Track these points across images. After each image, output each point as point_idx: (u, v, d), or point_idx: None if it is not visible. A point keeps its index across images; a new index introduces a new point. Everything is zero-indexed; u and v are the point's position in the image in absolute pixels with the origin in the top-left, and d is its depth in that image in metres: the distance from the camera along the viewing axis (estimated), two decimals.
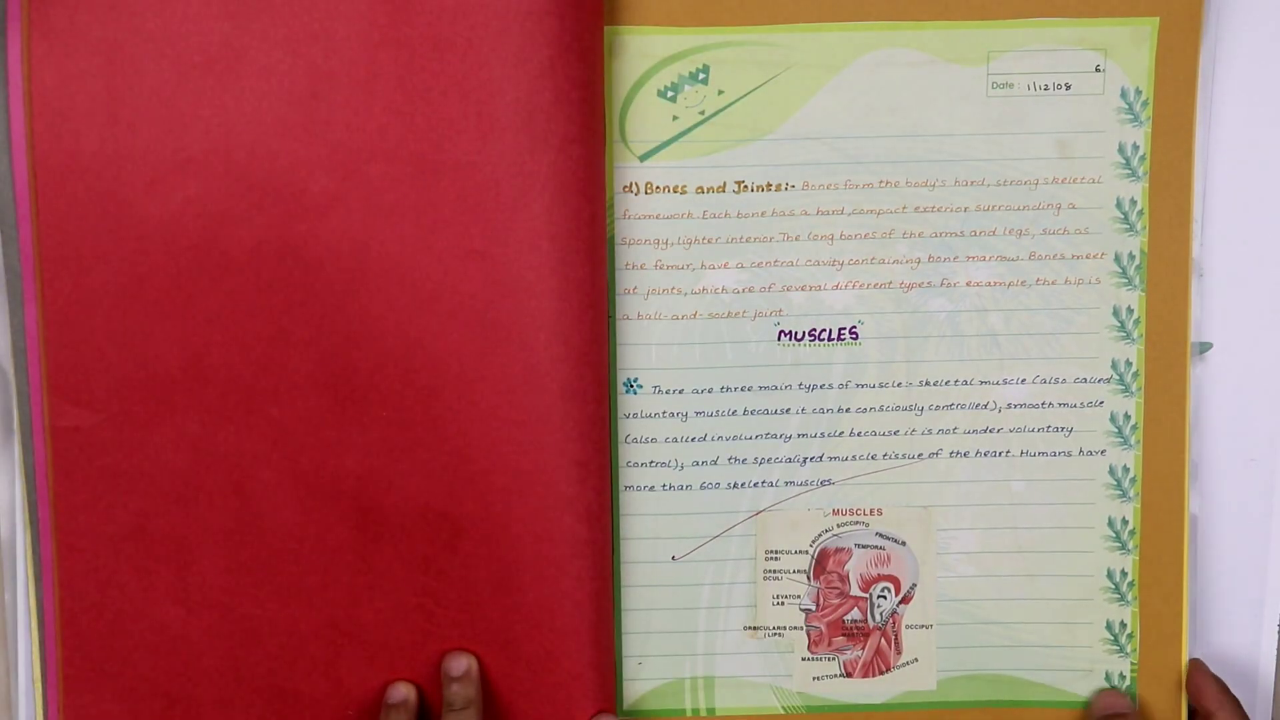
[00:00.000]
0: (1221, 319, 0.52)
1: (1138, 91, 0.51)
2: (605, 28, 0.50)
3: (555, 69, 0.48)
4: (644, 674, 0.54)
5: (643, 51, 0.50)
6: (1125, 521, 0.53)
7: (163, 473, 0.50)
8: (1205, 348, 0.52)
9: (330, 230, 0.49)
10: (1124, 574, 0.53)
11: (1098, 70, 0.51)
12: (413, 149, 0.48)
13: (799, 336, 0.52)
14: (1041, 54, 0.51)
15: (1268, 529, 0.53)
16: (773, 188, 0.51)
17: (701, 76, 0.50)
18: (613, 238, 0.51)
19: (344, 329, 0.49)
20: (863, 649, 0.54)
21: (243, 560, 0.51)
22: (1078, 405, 0.53)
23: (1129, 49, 0.51)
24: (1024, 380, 0.53)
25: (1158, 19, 0.51)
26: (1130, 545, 0.53)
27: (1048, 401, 0.53)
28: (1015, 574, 0.53)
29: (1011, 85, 0.51)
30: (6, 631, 0.52)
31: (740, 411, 0.52)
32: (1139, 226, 0.52)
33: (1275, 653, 0.53)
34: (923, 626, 0.54)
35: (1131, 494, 0.53)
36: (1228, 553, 0.53)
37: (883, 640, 0.54)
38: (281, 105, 0.48)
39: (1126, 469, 0.53)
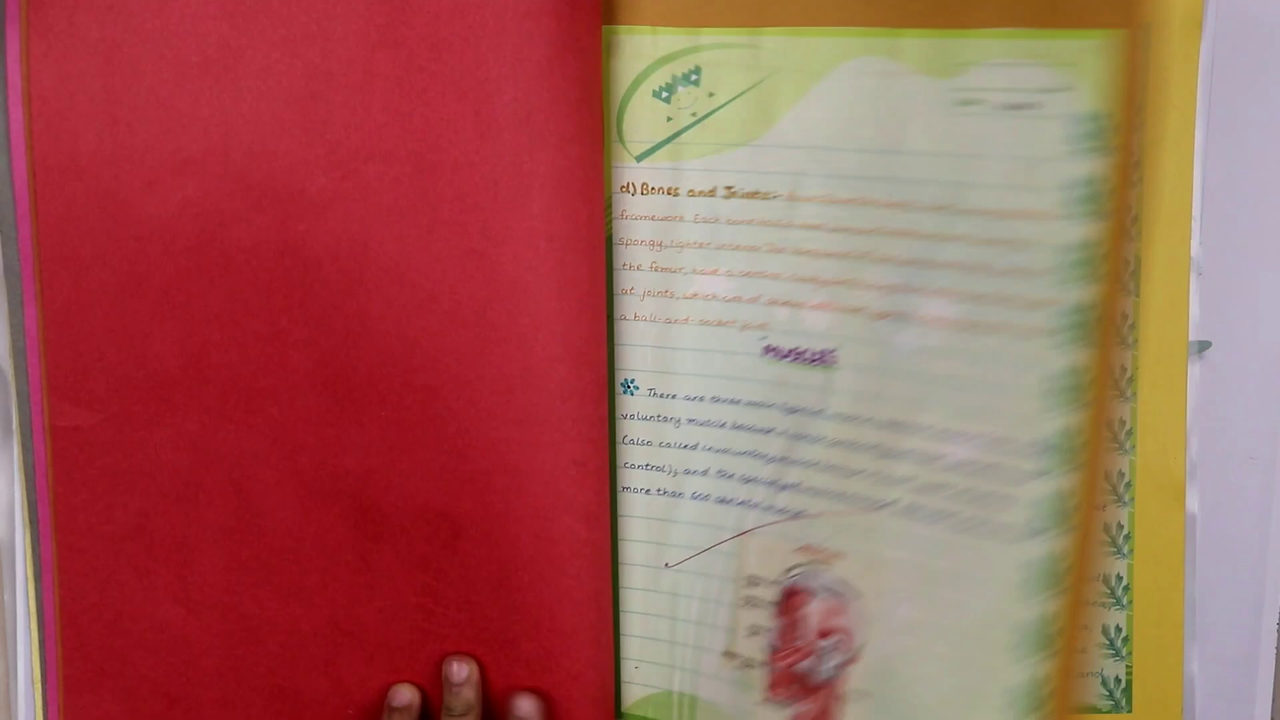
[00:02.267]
0: (1221, 318, 0.52)
1: (1102, 116, 0.45)
2: (603, 27, 0.50)
3: (553, 68, 0.48)
4: (639, 679, 0.54)
5: (639, 51, 0.50)
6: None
7: (162, 472, 0.50)
8: (1204, 347, 0.52)
9: (329, 230, 0.49)
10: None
11: (1064, 89, 0.45)
12: (411, 149, 0.48)
13: (783, 354, 0.51)
14: (1007, 68, 0.46)
15: (1267, 529, 0.52)
16: (759, 195, 0.50)
17: (694, 78, 0.50)
18: (610, 237, 0.51)
19: (342, 329, 0.49)
20: (809, 705, 0.50)
21: (242, 560, 0.51)
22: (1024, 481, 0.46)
23: (1094, 66, 0.45)
24: (977, 437, 0.47)
25: (1124, 32, 0.44)
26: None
27: (997, 464, 0.47)
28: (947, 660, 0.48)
29: (978, 102, 0.46)
30: (6, 632, 0.52)
31: (728, 425, 0.51)
32: (1099, 273, 0.45)
33: (1275, 653, 0.53)
34: (865, 694, 0.49)
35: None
36: (1228, 553, 0.52)
37: (831, 700, 0.50)
38: (280, 105, 0.48)
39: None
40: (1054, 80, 0.45)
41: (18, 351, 0.50)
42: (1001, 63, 0.46)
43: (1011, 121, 0.46)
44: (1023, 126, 0.45)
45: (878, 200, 0.48)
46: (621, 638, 0.53)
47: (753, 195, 0.50)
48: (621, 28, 0.50)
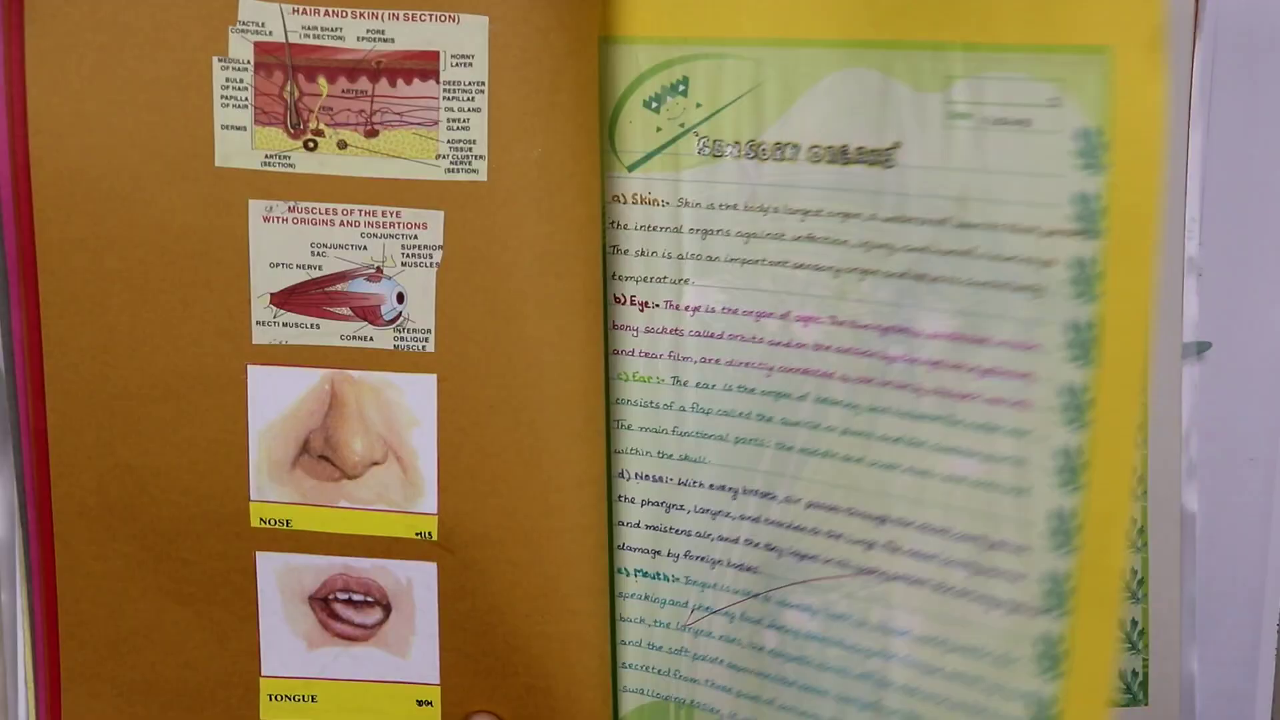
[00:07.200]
0: (1221, 318, 0.52)
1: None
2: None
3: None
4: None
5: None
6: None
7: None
8: (1204, 347, 0.52)
9: None
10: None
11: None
12: None
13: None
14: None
15: (1268, 529, 0.52)
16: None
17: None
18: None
19: None
20: None
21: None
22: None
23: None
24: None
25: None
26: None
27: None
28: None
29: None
30: (4, 632, 0.52)
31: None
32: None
33: (1275, 653, 0.53)
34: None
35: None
36: (1228, 553, 0.52)
37: None
38: None
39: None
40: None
41: (7, 354, 0.50)
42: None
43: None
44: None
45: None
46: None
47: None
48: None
